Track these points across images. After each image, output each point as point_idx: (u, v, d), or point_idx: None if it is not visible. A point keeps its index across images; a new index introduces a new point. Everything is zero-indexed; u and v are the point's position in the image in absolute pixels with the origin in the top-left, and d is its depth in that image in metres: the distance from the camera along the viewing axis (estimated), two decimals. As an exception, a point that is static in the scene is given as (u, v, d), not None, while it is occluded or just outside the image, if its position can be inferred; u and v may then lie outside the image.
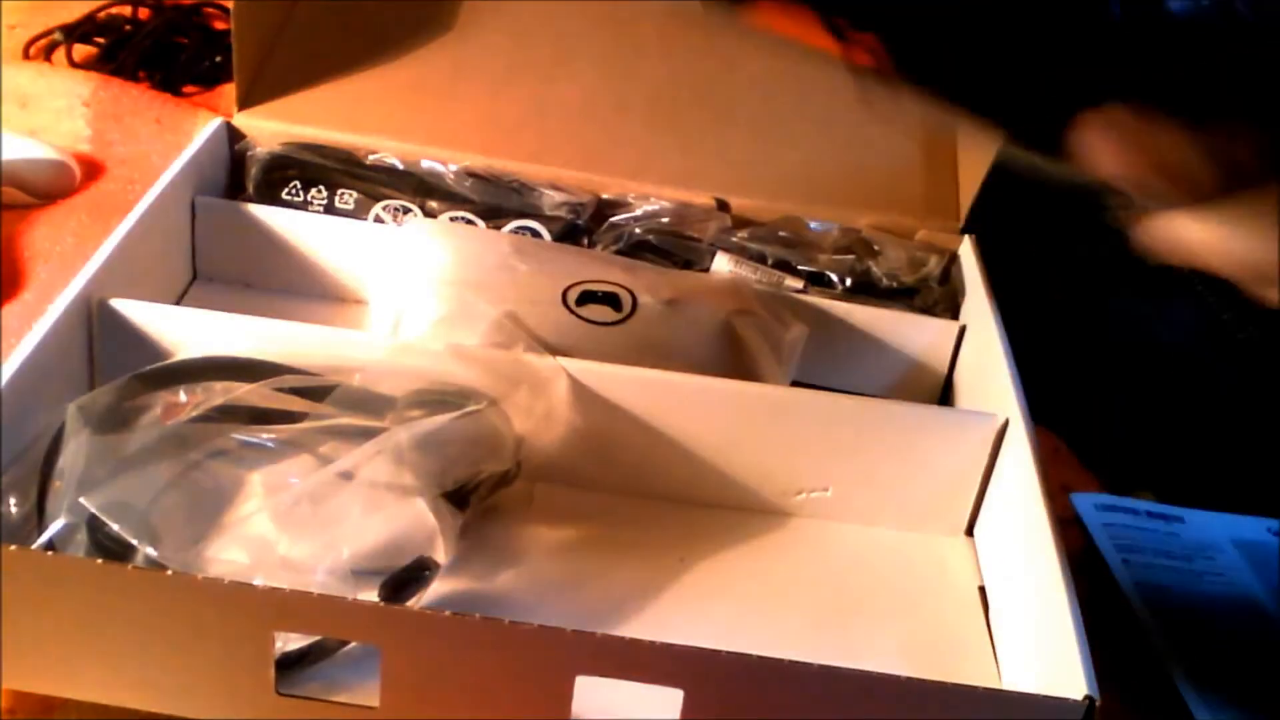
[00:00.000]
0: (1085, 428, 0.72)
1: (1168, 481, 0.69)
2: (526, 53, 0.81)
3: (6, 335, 0.67)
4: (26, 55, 0.94)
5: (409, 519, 0.57)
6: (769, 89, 0.81)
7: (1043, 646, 0.53)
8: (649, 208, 0.75)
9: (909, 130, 0.79)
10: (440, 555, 0.56)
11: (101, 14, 0.97)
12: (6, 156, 0.78)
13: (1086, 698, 0.46)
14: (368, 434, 0.57)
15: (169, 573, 0.48)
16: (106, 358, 0.62)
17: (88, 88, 0.88)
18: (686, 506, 0.64)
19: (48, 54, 0.95)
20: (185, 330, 0.62)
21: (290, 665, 0.50)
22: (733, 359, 0.66)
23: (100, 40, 0.96)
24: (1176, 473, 0.69)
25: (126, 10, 0.98)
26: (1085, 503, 0.67)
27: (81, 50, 0.95)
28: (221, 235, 0.74)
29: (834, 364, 0.72)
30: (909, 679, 0.46)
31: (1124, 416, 0.73)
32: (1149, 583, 0.61)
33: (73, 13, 0.97)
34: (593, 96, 0.79)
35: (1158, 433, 0.72)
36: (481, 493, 0.60)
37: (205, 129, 0.76)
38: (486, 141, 0.77)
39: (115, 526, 0.50)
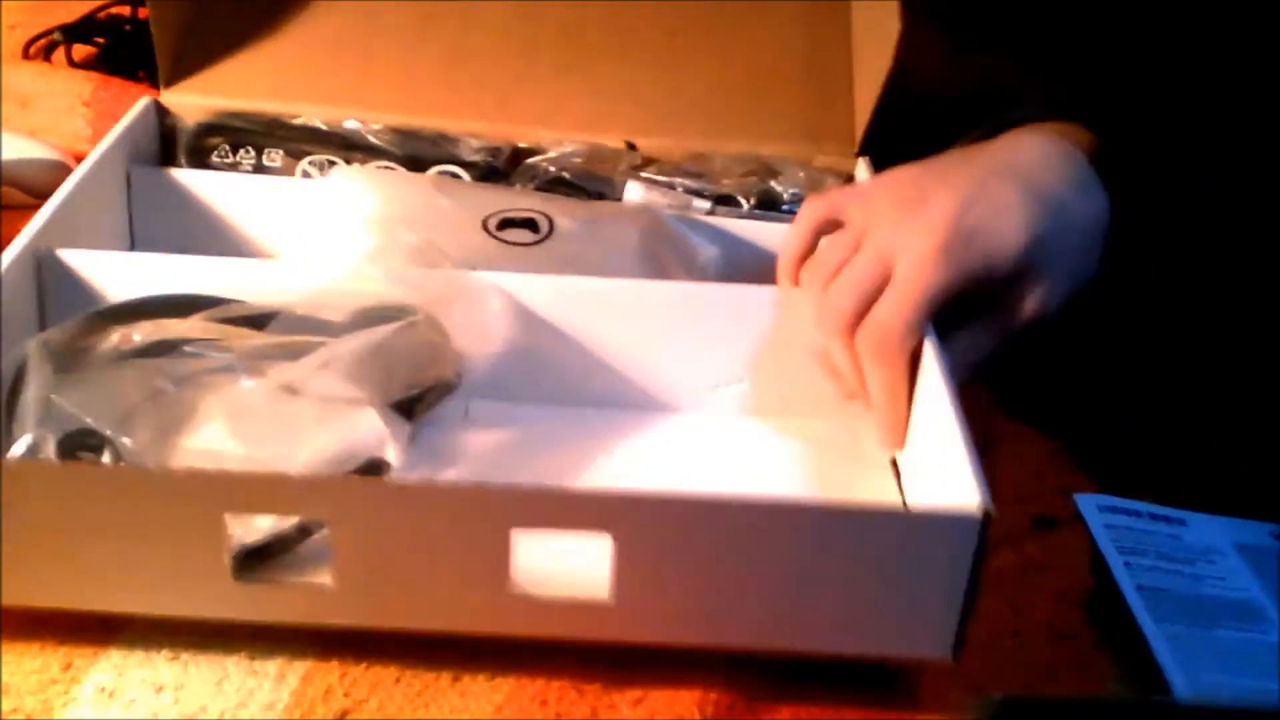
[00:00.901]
0: (1083, 430, 0.71)
1: (1167, 485, 0.68)
2: (437, 3, 0.84)
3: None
4: (26, 55, 0.95)
5: (360, 428, 0.60)
6: (669, 23, 0.85)
7: (944, 479, 0.55)
8: (563, 150, 0.79)
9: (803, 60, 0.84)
10: (392, 458, 0.59)
11: (101, 14, 0.98)
12: (6, 156, 0.79)
13: (983, 510, 0.50)
14: (313, 351, 0.60)
15: (121, 466, 0.51)
16: (56, 308, 0.65)
17: (88, 88, 0.88)
18: (612, 410, 0.68)
19: (48, 54, 0.95)
20: (130, 275, 0.65)
21: (250, 561, 0.53)
22: (649, 278, 0.70)
23: (100, 40, 0.97)
24: (1176, 476, 0.68)
25: (126, 10, 0.99)
26: (1088, 503, 0.66)
27: (81, 50, 0.96)
28: (156, 204, 0.77)
29: (745, 282, 0.75)
30: (822, 503, 0.50)
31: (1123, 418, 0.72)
32: (1150, 586, 0.61)
33: (73, 13, 0.97)
34: (502, 42, 0.84)
35: (1157, 435, 0.71)
36: (427, 402, 0.63)
37: (134, 108, 0.79)
38: (404, 99, 0.81)
39: (88, 421, 0.53)
